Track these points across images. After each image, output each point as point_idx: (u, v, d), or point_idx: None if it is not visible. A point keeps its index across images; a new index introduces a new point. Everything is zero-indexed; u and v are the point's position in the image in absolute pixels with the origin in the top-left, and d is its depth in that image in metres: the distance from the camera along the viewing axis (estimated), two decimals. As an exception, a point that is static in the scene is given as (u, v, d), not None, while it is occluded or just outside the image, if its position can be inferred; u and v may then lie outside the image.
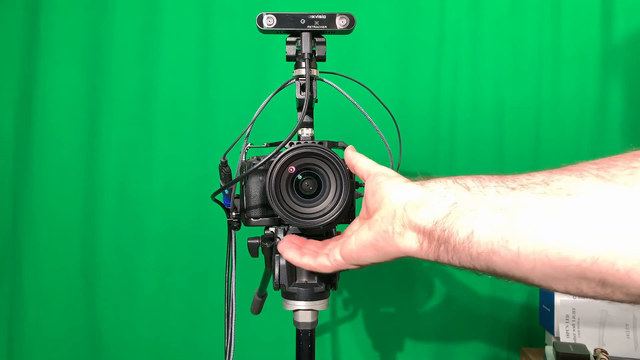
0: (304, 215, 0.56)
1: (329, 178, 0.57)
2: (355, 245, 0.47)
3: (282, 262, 0.64)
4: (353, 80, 0.69)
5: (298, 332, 0.66)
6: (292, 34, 0.62)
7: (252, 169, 0.56)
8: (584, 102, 1.14)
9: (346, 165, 0.57)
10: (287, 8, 1.14)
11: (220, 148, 1.17)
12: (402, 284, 1.15)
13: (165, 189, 1.14)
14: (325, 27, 0.60)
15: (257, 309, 0.85)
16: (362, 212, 0.52)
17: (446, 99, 1.15)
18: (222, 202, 0.66)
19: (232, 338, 0.69)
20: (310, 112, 0.63)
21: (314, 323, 0.66)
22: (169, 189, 1.14)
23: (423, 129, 1.15)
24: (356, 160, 0.54)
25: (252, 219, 0.64)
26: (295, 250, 0.54)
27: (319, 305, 0.65)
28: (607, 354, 0.92)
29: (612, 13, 1.13)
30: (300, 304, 0.64)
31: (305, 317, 0.65)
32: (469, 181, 0.41)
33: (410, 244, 0.43)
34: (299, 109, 0.64)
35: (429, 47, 1.15)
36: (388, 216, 0.45)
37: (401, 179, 0.48)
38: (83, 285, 1.14)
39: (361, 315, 1.17)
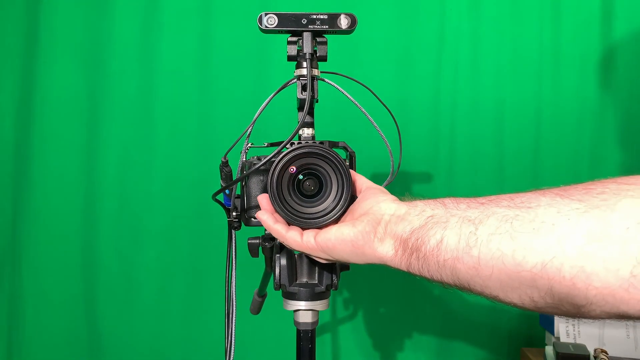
0: (306, 215, 0.56)
1: (330, 178, 0.57)
2: (334, 236, 0.51)
3: (283, 262, 0.64)
4: (353, 80, 0.69)
5: (298, 332, 0.66)
6: (294, 33, 0.62)
7: (253, 168, 0.56)
8: (584, 102, 1.14)
9: (347, 165, 0.57)
10: (288, 8, 1.14)
11: (220, 148, 1.16)
12: (402, 284, 1.15)
13: (165, 189, 1.14)
14: (327, 27, 0.60)
15: (257, 309, 0.85)
16: (346, 216, 0.55)
17: (446, 99, 1.15)
18: (223, 202, 0.66)
19: (232, 338, 0.69)
20: (311, 112, 0.63)
21: (315, 323, 0.66)
22: (168, 189, 1.14)
23: (423, 129, 1.15)
24: (357, 177, 0.59)
25: (252, 219, 0.64)
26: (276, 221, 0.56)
27: (319, 305, 0.65)
28: (607, 354, 0.92)
29: (612, 13, 1.13)
30: (301, 304, 0.65)
31: (305, 317, 0.65)
32: (447, 200, 0.47)
33: (386, 250, 0.48)
34: (300, 108, 0.64)
35: (429, 47, 1.15)
36: (373, 221, 0.49)
37: (394, 198, 0.53)
38: (83, 285, 1.14)
39: (361, 315, 1.17)
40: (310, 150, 0.56)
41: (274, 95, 0.64)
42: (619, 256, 0.34)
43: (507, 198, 0.42)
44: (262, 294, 0.82)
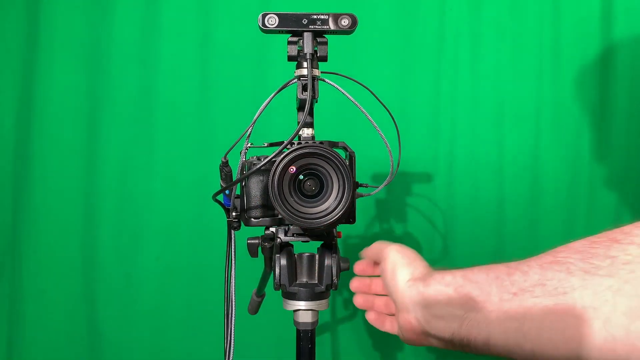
0: (307, 216, 0.56)
1: (331, 178, 0.58)
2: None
3: (283, 262, 0.64)
4: (353, 80, 0.69)
5: (298, 332, 0.66)
6: (294, 34, 0.62)
7: (254, 169, 0.56)
8: (584, 102, 1.14)
9: (348, 165, 0.57)
10: (287, 8, 1.14)
11: (220, 148, 1.16)
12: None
13: (165, 189, 1.14)
14: (328, 27, 0.60)
15: (255, 309, 0.85)
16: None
17: (446, 99, 1.15)
18: (222, 202, 0.66)
19: (232, 338, 0.69)
20: (311, 112, 0.63)
21: (315, 323, 0.66)
22: (169, 189, 1.14)
23: (423, 129, 1.15)
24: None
25: (252, 219, 0.64)
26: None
27: (319, 305, 0.65)
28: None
29: (612, 13, 1.14)
30: (301, 304, 0.65)
31: (305, 317, 0.65)
32: (472, 290, 0.45)
33: (436, 342, 0.50)
34: (300, 109, 0.64)
35: (429, 47, 1.15)
36: (407, 326, 0.53)
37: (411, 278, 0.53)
38: (83, 284, 1.14)
39: (361, 315, 1.17)
40: (310, 150, 0.56)
41: (274, 96, 0.64)
42: None
43: (539, 284, 0.42)
44: (260, 294, 0.83)
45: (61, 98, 1.14)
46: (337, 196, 0.57)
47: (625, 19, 1.13)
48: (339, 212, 0.56)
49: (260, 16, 0.61)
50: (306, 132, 0.63)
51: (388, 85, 1.15)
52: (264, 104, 0.62)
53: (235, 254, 0.69)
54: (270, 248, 0.65)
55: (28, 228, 1.14)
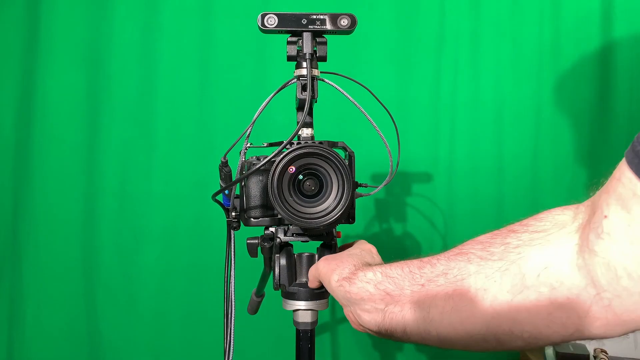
0: (307, 215, 0.56)
1: (330, 178, 0.58)
2: None
3: (283, 262, 0.64)
4: (353, 80, 0.69)
5: (298, 332, 0.66)
6: (294, 34, 0.62)
7: (253, 169, 0.56)
8: (583, 102, 1.14)
9: (347, 165, 0.57)
10: (288, 8, 1.14)
11: (220, 148, 1.16)
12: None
13: (165, 189, 1.14)
14: (327, 27, 0.60)
15: (254, 309, 0.85)
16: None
17: (446, 99, 1.15)
18: (222, 202, 0.66)
19: (232, 338, 0.69)
20: (310, 112, 0.63)
21: (314, 323, 0.66)
22: (169, 189, 1.14)
23: (423, 129, 1.15)
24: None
25: (252, 219, 0.64)
26: None
27: (318, 305, 0.65)
28: (607, 353, 0.92)
29: (612, 13, 1.13)
30: (300, 304, 0.65)
31: (305, 317, 0.65)
32: (388, 286, 0.50)
33: (371, 332, 0.54)
34: (300, 109, 0.64)
35: (429, 47, 1.15)
36: (349, 319, 0.57)
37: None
38: (83, 285, 1.14)
39: (361, 315, 1.17)
40: (310, 150, 0.56)
41: (273, 95, 0.64)
42: (536, 301, 0.41)
43: (442, 274, 0.47)
44: (260, 294, 0.82)
45: (61, 98, 1.14)
46: (336, 196, 0.57)
47: (625, 19, 1.13)
48: (338, 212, 0.56)
49: (259, 16, 0.61)
50: (305, 132, 0.63)
51: (388, 85, 1.15)
52: (263, 104, 0.62)
53: (234, 254, 0.69)
54: (269, 248, 0.65)
55: (28, 228, 1.14)
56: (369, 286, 0.51)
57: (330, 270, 0.57)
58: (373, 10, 1.15)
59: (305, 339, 0.66)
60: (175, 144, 1.14)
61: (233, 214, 0.65)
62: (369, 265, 0.55)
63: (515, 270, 0.42)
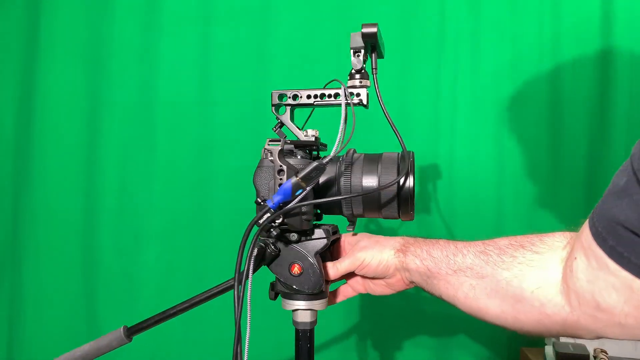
0: None
1: None
2: None
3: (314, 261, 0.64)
4: (343, 84, 0.70)
5: (297, 331, 0.66)
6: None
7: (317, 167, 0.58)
8: (583, 102, 1.14)
9: None
10: (287, 8, 1.14)
11: (219, 148, 1.17)
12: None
13: (165, 189, 1.14)
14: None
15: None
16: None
17: (446, 99, 1.15)
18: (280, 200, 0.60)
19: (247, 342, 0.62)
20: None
21: (313, 323, 0.66)
22: (169, 189, 1.14)
23: (423, 129, 1.15)
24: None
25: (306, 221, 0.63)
26: None
27: (318, 305, 0.65)
28: (607, 353, 0.92)
29: (612, 13, 1.13)
30: (300, 304, 0.65)
31: (304, 317, 0.65)
32: (430, 263, 0.65)
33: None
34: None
35: (429, 47, 1.15)
36: (399, 283, 0.71)
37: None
38: (83, 284, 1.14)
39: (361, 315, 1.17)
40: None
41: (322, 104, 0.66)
42: (530, 309, 0.57)
43: (470, 267, 0.62)
44: None
45: (61, 98, 1.14)
46: None
47: (625, 19, 1.13)
48: None
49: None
50: (310, 133, 0.66)
51: (388, 85, 1.15)
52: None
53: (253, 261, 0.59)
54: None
55: (28, 228, 1.14)
56: (417, 260, 0.65)
57: (383, 245, 0.68)
58: (373, 10, 1.15)
59: (304, 339, 0.66)
60: (175, 144, 1.14)
61: (278, 222, 0.60)
62: (414, 242, 0.68)
63: (517, 284, 0.57)
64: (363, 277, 0.71)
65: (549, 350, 1.00)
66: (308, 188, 0.58)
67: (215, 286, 0.64)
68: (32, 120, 1.14)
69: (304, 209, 0.61)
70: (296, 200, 0.58)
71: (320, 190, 0.65)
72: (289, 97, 0.66)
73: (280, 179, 0.61)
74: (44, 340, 1.14)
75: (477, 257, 0.61)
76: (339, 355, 1.16)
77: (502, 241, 0.61)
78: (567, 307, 0.53)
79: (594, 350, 0.94)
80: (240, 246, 0.58)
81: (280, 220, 0.60)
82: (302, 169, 0.59)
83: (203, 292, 0.64)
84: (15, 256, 1.14)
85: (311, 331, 0.66)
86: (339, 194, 0.65)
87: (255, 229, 0.59)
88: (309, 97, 0.67)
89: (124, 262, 1.14)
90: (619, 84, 1.13)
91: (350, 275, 0.72)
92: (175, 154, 1.14)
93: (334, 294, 0.75)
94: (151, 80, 1.14)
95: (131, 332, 0.66)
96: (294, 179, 0.58)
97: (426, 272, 0.64)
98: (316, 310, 0.66)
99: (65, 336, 1.14)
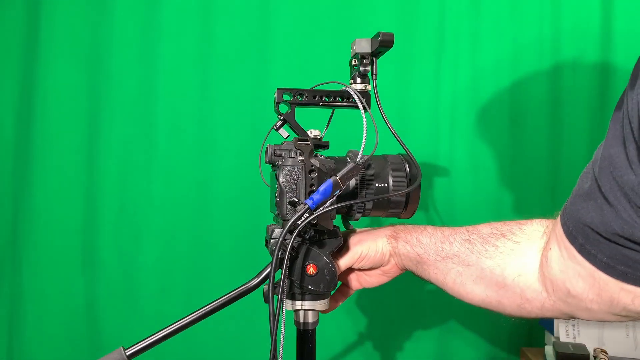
0: None
1: None
2: None
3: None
4: (350, 87, 0.70)
5: (299, 331, 0.66)
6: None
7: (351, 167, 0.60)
8: (584, 102, 1.14)
9: None
10: (287, 8, 1.14)
11: (219, 148, 1.17)
12: (402, 284, 1.15)
13: (165, 189, 1.14)
14: None
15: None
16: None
17: (446, 99, 1.15)
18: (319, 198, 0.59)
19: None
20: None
21: (315, 323, 0.66)
22: (169, 189, 1.14)
23: (423, 128, 1.15)
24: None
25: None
26: None
27: (319, 305, 0.66)
28: (607, 353, 0.93)
29: (612, 13, 1.14)
30: (301, 304, 0.65)
31: (305, 317, 0.65)
32: (420, 250, 0.68)
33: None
34: None
35: (429, 47, 1.15)
36: (393, 269, 0.75)
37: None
38: (83, 285, 1.14)
39: (361, 316, 1.17)
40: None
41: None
42: (512, 295, 0.63)
43: (456, 255, 0.66)
44: None
45: (61, 98, 1.14)
46: None
47: (625, 19, 1.13)
48: None
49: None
50: (313, 133, 0.67)
51: (388, 85, 1.15)
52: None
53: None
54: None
55: (28, 228, 1.14)
56: (407, 246, 0.69)
57: (376, 234, 0.71)
58: (373, 10, 1.15)
59: (305, 339, 0.66)
60: (175, 144, 1.14)
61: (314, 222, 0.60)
62: (404, 229, 0.71)
63: (499, 272, 0.62)
64: (359, 270, 0.74)
65: (549, 350, 1.00)
66: (342, 188, 0.59)
67: (225, 295, 0.63)
68: (32, 120, 1.13)
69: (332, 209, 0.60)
70: (331, 200, 0.58)
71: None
72: (294, 96, 0.66)
73: (312, 179, 0.61)
74: (44, 341, 1.14)
75: (463, 245, 0.65)
76: (340, 355, 1.17)
77: (485, 229, 0.65)
78: (544, 293, 0.58)
79: (594, 350, 0.94)
80: (276, 249, 0.57)
81: (315, 221, 0.59)
82: (339, 170, 0.60)
83: (207, 305, 0.63)
84: (15, 256, 1.14)
85: (312, 331, 0.66)
86: (352, 196, 0.67)
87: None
88: (314, 97, 0.67)
89: (124, 262, 1.14)
90: (619, 84, 1.14)
91: (345, 273, 0.74)
92: (175, 154, 1.14)
93: (334, 298, 0.75)
94: (151, 80, 1.14)
95: (131, 354, 0.63)
96: (333, 179, 0.58)
97: (416, 257, 0.68)
98: (317, 311, 0.66)
99: (65, 336, 1.14)
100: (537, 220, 0.63)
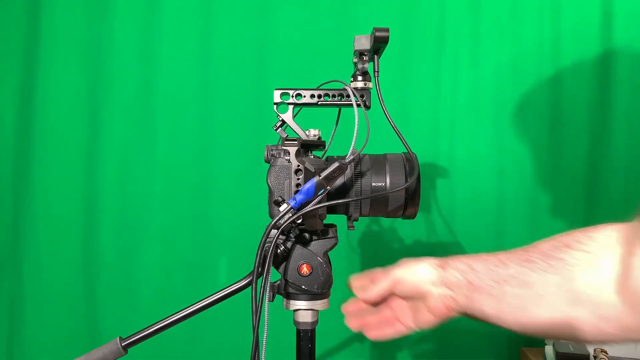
0: None
1: None
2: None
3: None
4: (348, 85, 0.70)
5: (298, 331, 0.66)
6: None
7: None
8: (583, 102, 1.14)
9: None
10: (287, 7, 1.14)
11: (220, 148, 1.17)
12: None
13: (165, 189, 1.14)
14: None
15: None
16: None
17: (446, 99, 1.15)
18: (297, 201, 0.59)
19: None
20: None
21: (314, 323, 0.66)
22: (169, 189, 1.14)
23: (423, 128, 1.15)
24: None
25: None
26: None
27: (319, 305, 0.65)
28: (607, 353, 0.92)
29: (612, 13, 1.13)
30: (301, 304, 0.65)
31: (305, 317, 0.65)
32: (472, 276, 0.60)
33: (457, 314, 0.63)
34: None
35: (429, 47, 1.15)
36: (437, 307, 0.63)
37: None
38: (83, 284, 1.14)
39: (361, 315, 1.17)
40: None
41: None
42: (584, 313, 0.53)
43: (514, 277, 0.58)
44: None
45: (61, 98, 1.14)
46: None
47: (625, 19, 1.13)
48: None
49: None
50: (312, 132, 0.67)
51: (388, 85, 1.14)
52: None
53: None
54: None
55: (28, 228, 1.14)
56: (457, 273, 0.61)
57: (419, 260, 0.65)
58: (373, 10, 1.14)
59: (305, 339, 0.66)
60: (175, 144, 1.14)
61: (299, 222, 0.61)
62: (454, 258, 0.65)
63: (569, 286, 0.53)
64: (403, 298, 0.67)
65: (549, 350, 1.00)
66: (328, 188, 0.59)
67: (220, 290, 0.63)
68: (32, 120, 1.13)
69: (320, 209, 0.60)
70: (316, 200, 0.58)
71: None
72: (292, 96, 0.66)
73: (298, 178, 0.61)
74: (44, 340, 1.14)
75: (521, 265, 0.57)
76: (340, 355, 1.17)
77: (544, 245, 0.58)
78: (626, 308, 0.50)
79: (594, 350, 0.94)
80: (259, 247, 0.58)
81: (300, 221, 0.60)
82: (324, 169, 0.59)
83: (205, 298, 0.64)
84: (15, 256, 1.14)
85: (312, 331, 0.66)
86: (348, 195, 0.65)
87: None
88: (312, 96, 0.67)
89: (124, 262, 1.14)
90: (619, 84, 1.13)
91: (399, 307, 0.68)
92: (175, 154, 1.14)
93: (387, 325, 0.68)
94: (151, 80, 1.14)
95: (127, 344, 0.64)
96: (317, 179, 0.58)
97: (468, 285, 0.60)
98: (317, 311, 0.66)
99: (65, 336, 1.14)
100: (610, 226, 0.55)
